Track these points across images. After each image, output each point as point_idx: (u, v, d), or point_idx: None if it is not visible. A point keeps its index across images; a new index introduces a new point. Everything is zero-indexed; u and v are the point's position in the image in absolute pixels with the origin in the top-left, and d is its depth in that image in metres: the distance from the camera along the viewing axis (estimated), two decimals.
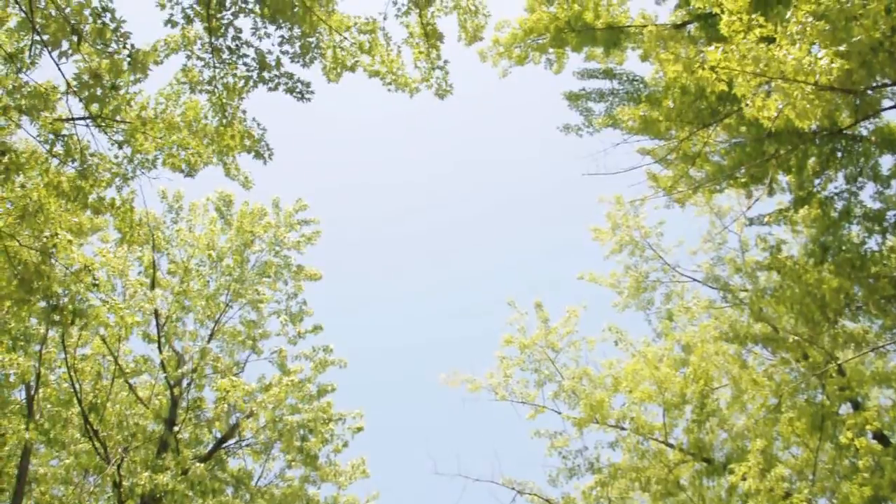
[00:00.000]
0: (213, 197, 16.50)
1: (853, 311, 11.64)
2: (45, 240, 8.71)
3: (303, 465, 14.94)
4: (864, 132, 11.56)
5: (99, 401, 14.13)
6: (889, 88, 10.39)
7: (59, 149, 8.54)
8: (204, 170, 10.11)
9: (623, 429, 15.97)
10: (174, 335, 15.52)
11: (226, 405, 14.13)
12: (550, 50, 14.39)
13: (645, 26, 12.26)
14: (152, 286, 15.20)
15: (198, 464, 13.50)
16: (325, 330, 16.56)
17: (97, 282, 10.96)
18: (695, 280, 17.41)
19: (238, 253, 16.17)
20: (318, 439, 14.95)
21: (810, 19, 8.25)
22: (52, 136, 8.51)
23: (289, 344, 16.14)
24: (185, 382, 15.01)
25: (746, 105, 8.60)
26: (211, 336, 15.80)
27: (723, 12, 8.82)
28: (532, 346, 17.62)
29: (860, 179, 11.87)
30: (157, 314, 15.21)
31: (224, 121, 9.40)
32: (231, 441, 15.12)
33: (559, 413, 16.84)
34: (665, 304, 18.08)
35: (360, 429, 15.94)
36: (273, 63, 9.05)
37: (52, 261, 8.94)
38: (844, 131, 11.22)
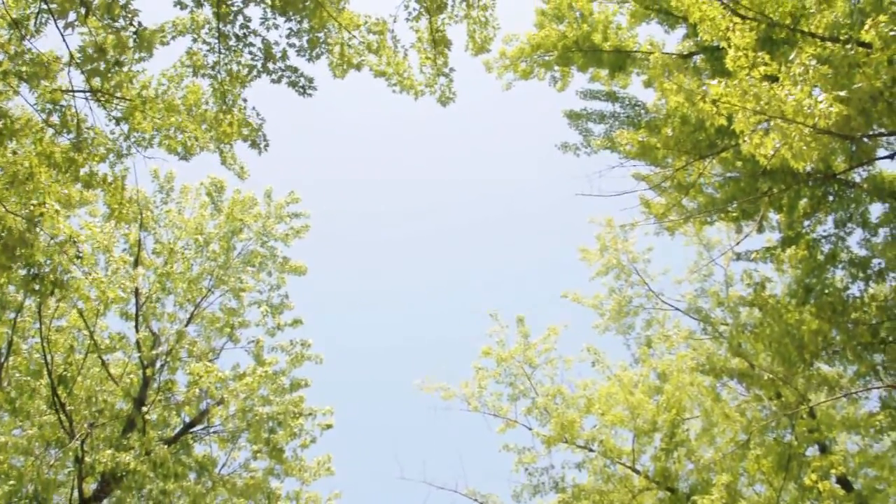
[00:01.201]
0: (205, 182, 16.43)
1: (830, 355, 11.73)
2: (32, 208, 8.63)
3: (268, 457, 14.84)
4: (857, 178, 11.68)
5: (69, 374, 13.99)
6: (885, 138, 10.51)
7: (55, 119, 8.49)
8: (199, 156, 10.10)
9: (591, 450, 16.00)
10: (152, 315, 15.40)
11: (197, 390, 14.02)
12: (556, 67, 14.47)
13: (652, 53, 12.33)
14: (135, 264, 15.09)
15: (163, 445, 13.40)
16: (304, 324, 16.50)
17: (81, 254, 10.86)
18: (677, 309, 17.51)
19: (225, 239, 16.10)
20: (286, 433, 14.86)
21: (814, 62, 8.34)
22: (49, 106, 8.47)
23: (267, 335, 16.06)
24: (158, 364, 14.89)
25: (744, 141, 8.67)
26: (189, 320, 15.70)
27: (730, 47, 8.90)
28: (509, 359, 17.64)
29: (849, 225, 11.99)
30: (137, 293, 15.11)
31: (224, 107, 9.37)
32: (199, 427, 15.00)
33: (530, 429, 16.86)
34: (645, 330, 18.17)
35: (329, 426, 15.85)
36: (279, 55, 9.05)
37: (38, 229, 8.86)
38: (838, 176, 11.32)
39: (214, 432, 14.91)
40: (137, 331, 15.00)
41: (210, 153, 10.23)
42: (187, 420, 14.96)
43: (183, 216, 16.13)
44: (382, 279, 39.25)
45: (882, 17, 8.69)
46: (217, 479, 14.38)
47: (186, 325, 15.57)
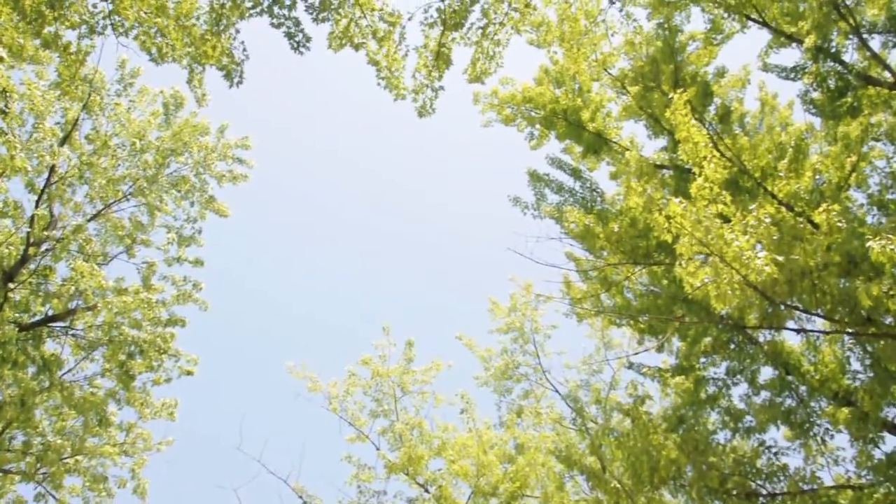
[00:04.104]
0: (166, 92, 15.91)
1: (676, 487, 12.08)
2: None
3: (117, 380, 14.34)
4: (762, 338, 12.17)
5: None
6: (799, 313, 11.00)
7: None
8: (168, 65, 9.80)
9: (427, 491, 16.01)
10: (59, 198, 14.76)
11: (73, 288, 13.48)
12: (538, 126, 14.69)
13: (629, 150, 12.66)
14: (63, 142, 14.48)
15: (14, 328, 12.78)
16: (204, 267, 16.10)
17: (7, 110, 10.41)
18: (557, 391, 17.72)
19: (162, 155, 15.58)
20: (144, 363, 14.41)
21: (768, 220, 8.72)
22: None
23: (164, 262, 15.61)
24: (44, 247, 14.26)
25: (680, 264, 8.95)
26: (94, 217, 15.11)
27: (700, 175, 9.21)
28: (385, 377, 17.57)
29: (738, 377, 12.46)
30: (53, 170, 14.48)
31: (214, 30, 9.15)
32: (59, 324, 14.40)
33: (378, 449, 16.78)
34: (521, 399, 18.29)
35: (189, 372, 15.43)
36: (289, 2, 8.90)
37: None
38: (746, 329, 11.78)
39: (73, 335, 14.33)
40: (37, 207, 14.37)
41: (181, 67, 9.95)
42: (50, 313, 14.35)
43: (130, 115, 15.56)
44: (309, 245, 38.57)
45: (835, 206, 9.20)
46: (56, 382, 13.81)
47: (89, 221, 14.98)
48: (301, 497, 16.37)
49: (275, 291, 37.19)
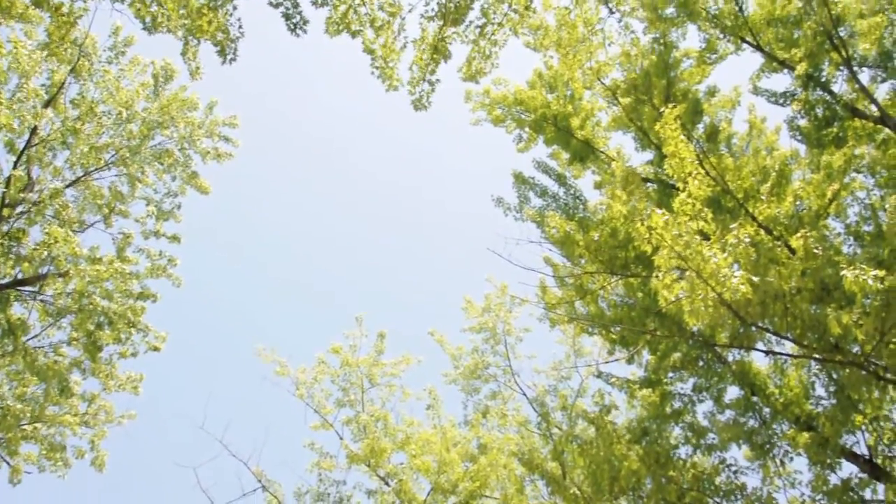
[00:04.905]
0: (157, 63, 15.69)
1: (635, 498, 12.20)
2: None
3: (83, 349, 14.15)
4: (730, 358, 12.31)
5: None
6: (769, 335, 11.14)
7: None
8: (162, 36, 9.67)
9: (388, 484, 15.99)
10: (38, 160, 14.54)
11: (46, 253, 13.28)
12: (527, 129, 14.72)
13: (615, 160, 12.72)
14: (48, 104, 14.25)
15: None
16: (181, 244, 15.94)
17: None
18: (524, 395, 17.78)
19: (147, 126, 15.36)
20: (112, 335, 14.23)
21: (746, 240, 8.81)
22: None
23: (140, 235, 15.43)
24: (19, 209, 14.03)
25: (657, 276, 9.01)
26: (73, 183, 14.89)
27: (683, 190, 9.28)
28: (354, 367, 17.52)
29: (704, 394, 12.60)
30: (34, 131, 14.25)
31: (212, 4, 9.06)
32: (28, 288, 14.18)
33: (341, 438, 16.73)
34: (488, 399, 18.36)
35: (156, 349, 15.25)
36: None
37: None
38: (716, 347, 11.90)
39: (41, 301, 14.12)
40: (15, 167, 14.14)
41: (175, 39, 9.83)
42: (20, 276, 14.12)
43: (119, 84, 15.33)
44: (289, 231, 38.39)
45: (813, 233, 9.32)
46: (20, 347, 13.60)
47: (67, 187, 14.77)
48: (260, 481, 16.28)
49: (251, 275, 37.02)
